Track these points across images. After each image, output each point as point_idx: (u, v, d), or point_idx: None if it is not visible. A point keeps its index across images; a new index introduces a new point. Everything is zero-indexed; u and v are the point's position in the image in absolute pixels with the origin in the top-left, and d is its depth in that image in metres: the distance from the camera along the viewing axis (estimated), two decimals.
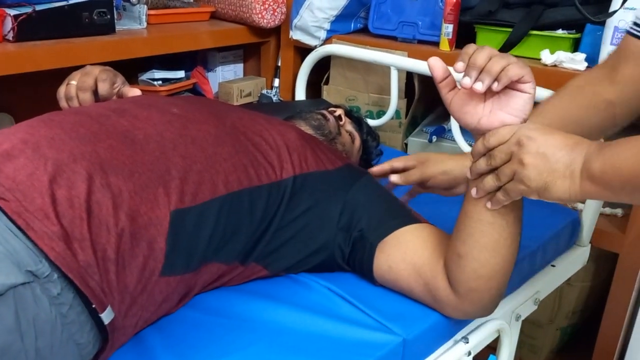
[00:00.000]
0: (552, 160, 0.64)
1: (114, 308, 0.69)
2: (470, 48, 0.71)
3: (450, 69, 0.74)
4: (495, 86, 0.68)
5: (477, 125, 0.74)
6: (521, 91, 0.71)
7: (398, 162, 1.04)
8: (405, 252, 0.87)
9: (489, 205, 0.74)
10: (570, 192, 0.64)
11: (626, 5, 1.21)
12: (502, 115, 0.72)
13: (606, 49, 1.27)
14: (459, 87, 0.74)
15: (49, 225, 0.65)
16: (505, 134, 0.69)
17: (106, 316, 0.68)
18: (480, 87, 0.68)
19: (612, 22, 1.25)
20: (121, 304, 0.70)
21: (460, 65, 0.70)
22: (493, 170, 0.71)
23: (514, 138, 0.67)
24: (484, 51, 0.70)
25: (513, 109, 0.71)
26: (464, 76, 0.70)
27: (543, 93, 1.16)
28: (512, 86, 0.71)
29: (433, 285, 0.84)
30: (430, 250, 0.86)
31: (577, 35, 1.36)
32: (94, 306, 0.66)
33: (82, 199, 0.69)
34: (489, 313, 0.86)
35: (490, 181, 0.71)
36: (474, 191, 0.75)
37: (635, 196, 0.61)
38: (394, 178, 1.03)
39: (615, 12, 1.22)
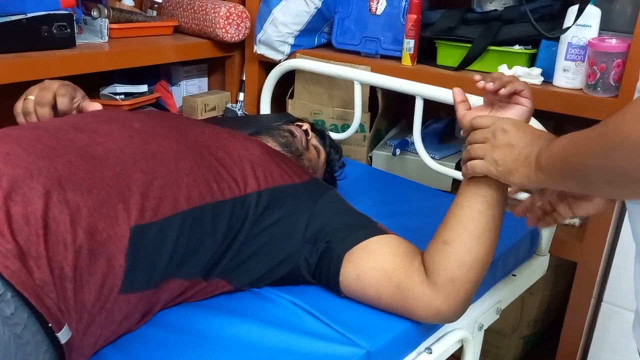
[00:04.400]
0: (516, 151, 0.76)
1: (71, 327, 0.68)
2: (494, 74, 0.88)
3: (469, 96, 0.93)
4: (503, 90, 0.85)
5: None
6: (520, 104, 0.86)
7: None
8: (375, 260, 0.88)
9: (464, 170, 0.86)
10: (528, 179, 0.75)
11: (578, 22, 1.26)
12: None
13: (561, 64, 1.31)
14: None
15: (3, 243, 0.63)
16: (487, 121, 0.82)
17: (63, 335, 0.66)
18: (491, 86, 0.85)
19: (565, 38, 1.29)
20: (79, 322, 0.69)
21: (481, 82, 0.87)
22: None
23: (492, 127, 0.80)
24: (499, 73, 0.88)
25: (513, 116, 0.85)
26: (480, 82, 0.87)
27: None
28: (513, 100, 0.87)
29: (407, 284, 0.85)
30: (400, 256, 0.88)
31: (533, 51, 1.40)
32: (50, 325, 0.65)
33: (38, 216, 0.67)
34: (458, 316, 0.86)
35: (464, 153, 0.86)
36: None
37: (568, 183, 0.69)
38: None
39: (568, 28, 1.27)
